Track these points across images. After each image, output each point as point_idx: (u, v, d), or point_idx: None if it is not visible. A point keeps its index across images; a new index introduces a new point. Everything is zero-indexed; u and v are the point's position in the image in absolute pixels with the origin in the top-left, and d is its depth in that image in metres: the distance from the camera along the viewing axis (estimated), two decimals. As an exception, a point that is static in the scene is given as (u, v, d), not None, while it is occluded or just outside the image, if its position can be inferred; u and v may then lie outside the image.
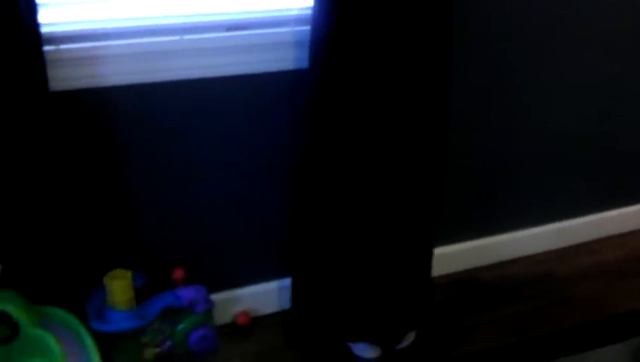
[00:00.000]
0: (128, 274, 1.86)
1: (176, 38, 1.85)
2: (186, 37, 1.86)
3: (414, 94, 1.86)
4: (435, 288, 2.33)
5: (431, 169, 1.95)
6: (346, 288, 1.98)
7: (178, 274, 1.97)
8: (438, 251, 2.38)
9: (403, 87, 1.84)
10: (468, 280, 2.42)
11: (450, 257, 2.44)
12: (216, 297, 2.06)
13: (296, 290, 2.07)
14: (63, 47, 1.74)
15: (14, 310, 1.68)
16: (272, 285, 2.21)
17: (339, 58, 1.81)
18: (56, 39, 1.72)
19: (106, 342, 1.82)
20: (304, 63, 1.92)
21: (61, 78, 1.72)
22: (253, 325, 2.16)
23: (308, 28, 1.89)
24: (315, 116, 1.91)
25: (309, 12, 1.88)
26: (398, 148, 1.89)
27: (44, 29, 1.65)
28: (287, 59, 1.97)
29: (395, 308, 2.01)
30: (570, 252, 2.58)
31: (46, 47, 1.67)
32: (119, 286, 1.83)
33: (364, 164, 1.89)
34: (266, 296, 2.20)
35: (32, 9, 1.60)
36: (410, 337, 2.09)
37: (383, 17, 1.77)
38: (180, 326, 1.95)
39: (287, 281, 2.16)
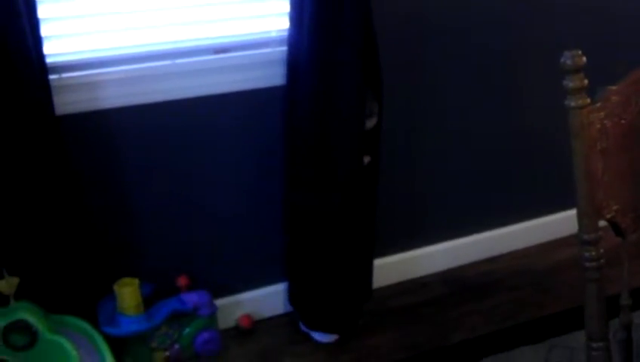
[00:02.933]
0: (136, 281, 2.00)
1: (168, 62, 2.03)
2: (177, 61, 2.04)
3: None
4: (424, 285, 2.51)
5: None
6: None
7: (182, 280, 2.11)
8: (425, 251, 2.55)
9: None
10: (454, 277, 2.56)
11: (437, 256, 2.58)
12: (219, 302, 2.19)
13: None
14: (65, 75, 1.91)
15: (32, 318, 1.82)
16: (273, 289, 2.34)
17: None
18: (59, 68, 1.90)
19: (117, 348, 1.95)
20: (286, 80, 2.11)
21: (65, 103, 1.89)
22: (256, 328, 2.28)
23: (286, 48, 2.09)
24: (291, 127, 2.12)
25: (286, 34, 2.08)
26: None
27: (48, 60, 1.83)
28: (271, 77, 2.14)
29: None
30: (549, 246, 2.72)
31: (51, 76, 1.85)
32: (128, 293, 1.98)
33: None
34: (267, 299, 2.32)
35: (38, 43, 1.79)
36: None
37: None
38: (187, 330, 2.08)
39: (287, 285, 2.31)
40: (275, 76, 2.13)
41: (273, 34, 2.15)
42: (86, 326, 1.92)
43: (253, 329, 2.27)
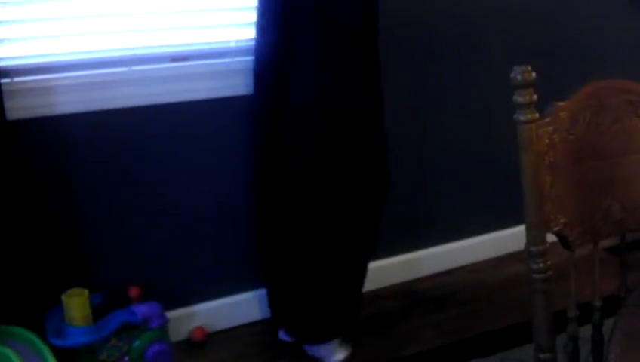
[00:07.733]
0: (85, 292, 1.95)
1: (125, 69, 2.01)
2: (134, 68, 2.02)
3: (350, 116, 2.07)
4: (378, 298, 2.51)
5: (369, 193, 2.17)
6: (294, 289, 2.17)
7: (133, 292, 2.07)
8: (379, 264, 2.56)
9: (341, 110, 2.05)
10: (408, 290, 2.58)
11: (390, 269, 2.59)
12: (171, 314, 2.16)
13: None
14: (18, 79, 1.88)
15: (-24, 328, 1.77)
16: (228, 300, 2.31)
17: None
18: (11, 72, 1.86)
19: (64, 360, 1.89)
20: (243, 90, 2.12)
21: (16, 108, 1.86)
22: (208, 340, 2.26)
23: (246, 58, 2.10)
24: (260, 138, 2.10)
25: (248, 44, 2.08)
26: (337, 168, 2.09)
27: (0, 63, 1.80)
28: (230, 87, 2.13)
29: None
30: (503, 261, 2.76)
31: (2, 80, 1.81)
32: (76, 303, 1.93)
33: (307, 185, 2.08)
34: (221, 311, 2.30)
35: (-11, 45, 1.76)
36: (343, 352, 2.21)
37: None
38: (137, 343, 2.04)
39: (240, 297, 2.30)
40: (234, 86, 2.13)
41: (232, 44, 2.15)
42: (32, 336, 1.86)
43: (206, 341, 2.25)
